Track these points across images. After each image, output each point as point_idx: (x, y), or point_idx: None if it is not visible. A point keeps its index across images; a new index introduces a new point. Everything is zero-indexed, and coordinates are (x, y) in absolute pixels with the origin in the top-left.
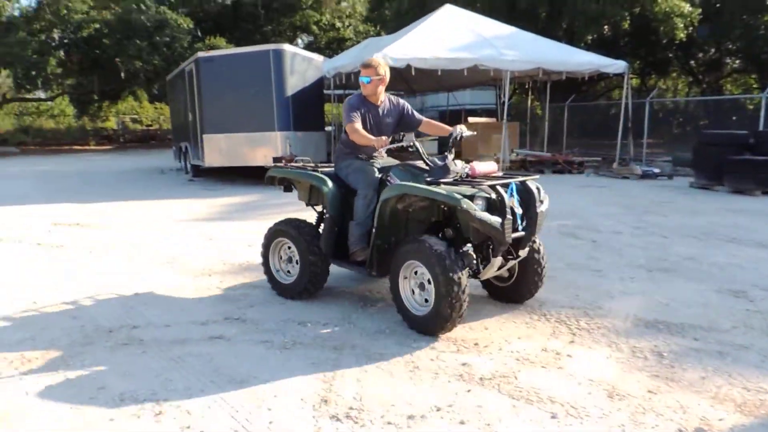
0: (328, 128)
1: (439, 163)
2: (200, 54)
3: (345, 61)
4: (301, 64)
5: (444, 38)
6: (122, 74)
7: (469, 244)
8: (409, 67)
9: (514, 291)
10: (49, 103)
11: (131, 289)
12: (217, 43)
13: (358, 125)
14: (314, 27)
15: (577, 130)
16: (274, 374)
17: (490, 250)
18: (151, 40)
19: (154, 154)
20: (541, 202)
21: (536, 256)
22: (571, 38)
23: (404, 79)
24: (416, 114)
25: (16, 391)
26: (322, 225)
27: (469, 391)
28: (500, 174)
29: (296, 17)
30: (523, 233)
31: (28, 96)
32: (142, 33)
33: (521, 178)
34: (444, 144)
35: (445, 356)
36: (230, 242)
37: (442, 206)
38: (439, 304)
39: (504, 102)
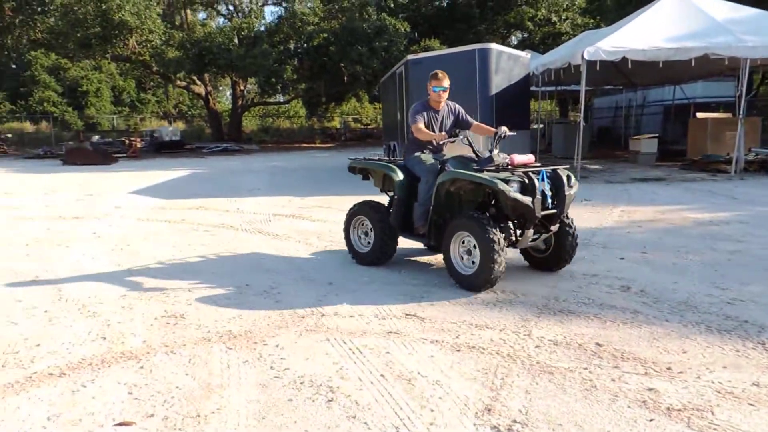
0: (535, 126)
1: (486, 155)
2: (409, 56)
3: (554, 56)
4: (507, 62)
5: (668, 26)
6: (345, 78)
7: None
8: (625, 60)
9: (550, 260)
10: (286, 105)
11: (326, 278)
12: (431, 45)
13: (421, 125)
14: (529, 23)
15: None
16: (441, 375)
17: (524, 224)
18: (371, 45)
19: (368, 151)
20: (570, 186)
21: (568, 230)
22: None
23: (622, 73)
24: (469, 118)
25: (219, 363)
26: (393, 205)
27: (651, 420)
28: (537, 164)
29: (511, 14)
30: (553, 211)
31: (269, 100)
32: (363, 39)
33: (552, 167)
34: (491, 142)
35: (629, 378)
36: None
37: (486, 189)
38: (483, 263)
39: (741, 95)
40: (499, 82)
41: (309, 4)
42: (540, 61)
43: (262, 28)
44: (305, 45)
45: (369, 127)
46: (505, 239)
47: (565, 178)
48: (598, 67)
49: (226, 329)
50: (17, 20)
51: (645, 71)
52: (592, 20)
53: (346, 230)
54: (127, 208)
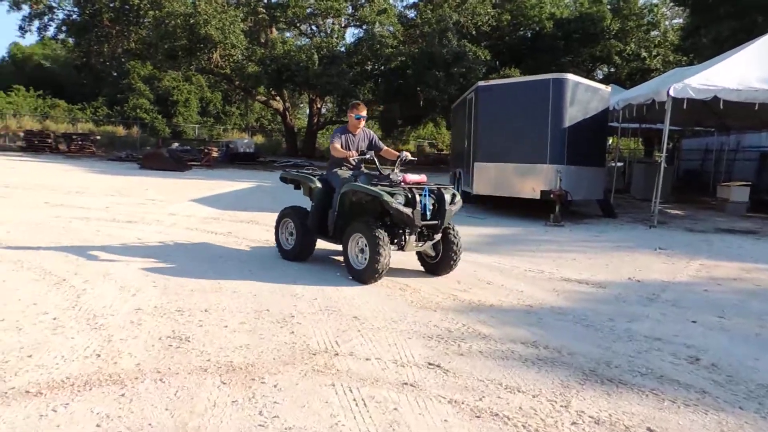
0: (613, 164)
1: (385, 173)
2: (480, 83)
3: (638, 92)
4: (584, 95)
5: (767, 66)
6: (421, 102)
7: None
8: (717, 99)
9: (438, 266)
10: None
11: (354, 311)
12: (511, 74)
13: (338, 145)
14: (616, 57)
15: None
16: None
17: (409, 231)
18: (449, 70)
19: (436, 177)
20: (453, 203)
21: (453, 240)
22: None
23: (714, 114)
24: (380, 143)
25: (206, 400)
26: (310, 211)
27: None
28: (427, 183)
29: (597, 47)
30: (434, 222)
31: (345, 119)
32: (441, 64)
33: (437, 185)
34: (393, 163)
35: None
36: (469, 276)
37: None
38: (371, 258)
39: None
40: (573, 115)
41: (389, 28)
42: (622, 96)
43: (342, 49)
44: (382, 67)
45: (443, 153)
46: (392, 242)
47: (448, 196)
48: (685, 106)
49: (228, 359)
50: (114, 31)
51: (739, 113)
52: (685, 57)
53: (276, 230)
54: (180, 216)
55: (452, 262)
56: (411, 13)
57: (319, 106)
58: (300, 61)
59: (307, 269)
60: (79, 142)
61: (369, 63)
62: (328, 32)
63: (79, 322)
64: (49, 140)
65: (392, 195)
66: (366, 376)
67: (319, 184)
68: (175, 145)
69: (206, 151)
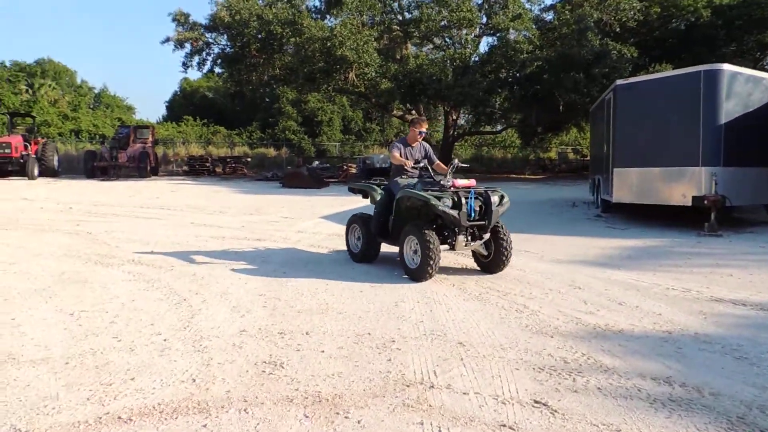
0: None
1: (436, 179)
2: (618, 81)
3: None
4: (744, 86)
5: None
6: (560, 107)
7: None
8: None
9: (491, 264)
10: (501, 134)
11: (460, 335)
12: (662, 71)
13: (396, 154)
14: None
15: None
16: None
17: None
18: (589, 71)
19: (578, 185)
20: (502, 205)
21: (503, 239)
22: None
23: None
24: (434, 156)
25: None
26: (373, 217)
27: None
28: (475, 186)
29: (767, 34)
30: (482, 222)
31: (483, 129)
32: (580, 66)
33: (485, 189)
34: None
35: None
36: (599, 295)
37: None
38: (422, 259)
39: None
40: (731, 110)
41: (524, 33)
42: None
43: (476, 58)
44: (517, 74)
45: (586, 159)
46: (444, 243)
47: (496, 198)
48: None
49: (316, 389)
50: (261, 60)
51: None
52: None
53: (346, 235)
54: (307, 233)
55: (504, 259)
56: (548, 16)
57: (454, 117)
58: (432, 74)
59: (420, 289)
60: (232, 165)
61: (503, 70)
62: (462, 43)
63: (185, 344)
64: (207, 164)
65: (440, 199)
66: (460, 414)
67: (380, 193)
68: (316, 163)
69: (344, 167)
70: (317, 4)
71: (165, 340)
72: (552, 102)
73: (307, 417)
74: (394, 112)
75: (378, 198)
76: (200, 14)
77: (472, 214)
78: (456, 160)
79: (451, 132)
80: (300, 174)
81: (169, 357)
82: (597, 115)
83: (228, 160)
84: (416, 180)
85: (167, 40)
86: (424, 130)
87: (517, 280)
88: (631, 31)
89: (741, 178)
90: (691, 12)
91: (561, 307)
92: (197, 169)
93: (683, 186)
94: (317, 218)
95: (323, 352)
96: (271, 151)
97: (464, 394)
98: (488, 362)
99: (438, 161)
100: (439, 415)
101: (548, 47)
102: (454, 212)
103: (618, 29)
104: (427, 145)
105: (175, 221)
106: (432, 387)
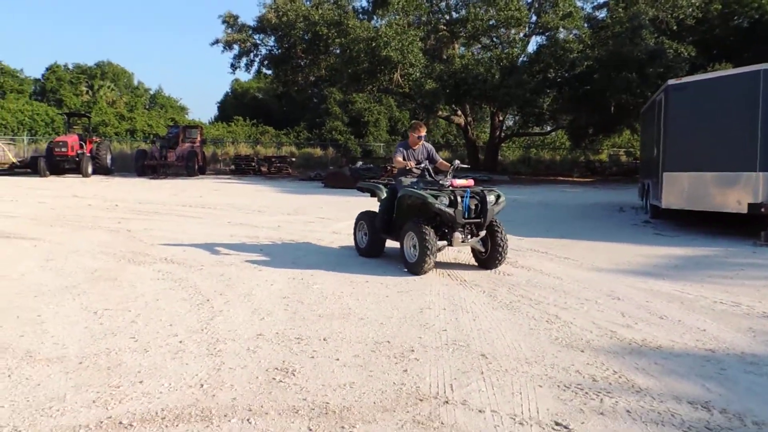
0: None
1: (435, 179)
2: (670, 81)
3: None
4: None
5: None
6: (612, 108)
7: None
8: None
9: (488, 261)
10: (551, 136)
11: (483, 347)
12: (721, 70)
13: (399, 158)
14: None
15: None
16: None
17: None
18: (643, 71)
19: (628, 189)
20: (498, 204)
21: (498, 237)
22: None
23: None
24: (437, 156)
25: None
26: (377, 214)
27: None
28: (472, 186)
29: None
30: (477, 219)
31: (531, 131)
32: (633, 65)
33: (482, 188)
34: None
35: None
36: (638, 307)
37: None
38: (420, 253)
39: None
40: None
41: (575, 32)
42: None
43: (524, 58)
44: (566, 74)
45: (639, 162)
46: (442, 239)
47: (492, 197)
48: None
49: (325, 400)
50: (307, 60)
51: None
52: None
53: (354, 231)
54: (342, 234)
55: (499, 256)
56: (601, 14)
57: (500, 118)
58: (478, 74)
59: (448, 296)
60: (278, 164)
61: (551, 70)
62: (510, 43)
63: (200, 347)
64: (253, 163)
65: (437, 197)
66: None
67: (385, 192)
68: (359, 163)
69: (388, 168)
70: (364, 4)
71: (181, 341)
72: (603, 103)
73: (310, 430)
74: (440, 113)
75: (383, 197)
76: (249, 16)
77: (467, 213)
78: (456, 161)
79: (498, 133)
80: (342, 174)
81: (181, 360)
82: (648, 116)
83: (273, 159)
84: (419, 179)
85: (216, 41)
86: (422, 134)
87: (552, 288)
88: (689, 29)
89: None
90: (755, 8)
91: (596, 319)
92: (243, 168)
93: (738, 192)
94: (354, 219)
95: (338, 360)
96: (318, 151)
97: (480, 411)
98: (510, 377)
99: (441, 160)
100: None
101: (600, 46)
102: (450, 210)
103: (675, 27)
104: (430, 146)
105: (213, 220)
106: (446, 402)
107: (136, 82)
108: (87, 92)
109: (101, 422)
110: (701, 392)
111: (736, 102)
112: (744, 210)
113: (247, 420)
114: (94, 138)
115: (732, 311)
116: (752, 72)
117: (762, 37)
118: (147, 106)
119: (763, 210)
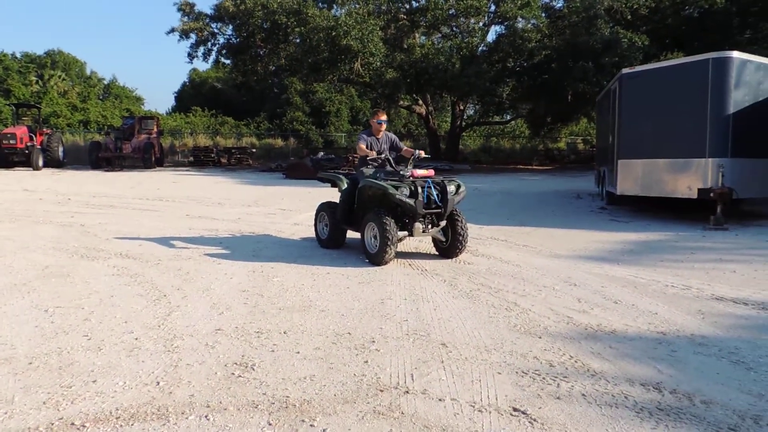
0: None
1: (396, 169)
2: (624, 70)
3: None
4: (754, 75)
5: None
6: (569, 97)
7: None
8: None
9: (448, 250)
10: (511, 125)
11: (443, 336)
12: (673, 59)
13: (363, 146)
14: None
15: None
16: None
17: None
18: (598, 60)
19: (585, 176)
20: (458, 194)
21: (459, 228)
22: None
23: None
24: (400, 144)
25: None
26: (338, 205)
27: None
28: (434, 176)
29: None
30: (437, 210)
31: (492, 120)
32: (589, 55)
33: (442, 178)
34: (406, 161)
35: None
36: (594, 292)
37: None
38: (380, 243)
39: None
40: (740, 99)
41: (532, 22)
42: None
43: (484, 48)
44: (525, 63)
45: (595, 149)
46: (403, 229)
47: (452, 187)
48: None
49: (285, 394)
50: (266, 50)
51: None
52: None
53: (315, 222)
54: (302, 226)
55: (459, 245)
56: (558, 4)
57: (461, 108)
58: (438, 64)
59: (409, 286)
60: (238, 156)
61: (510, 60)
62: (470, 32)
63: (156, 344)
64: (212, 155)
65: (397, 188)
66: (432, 423)
67: (346, 183)
68: (321, 154)
69: (350, 158)
70: None
71: (136, 339)
72: (561, 92)
73: (270, 425)
74: (401, 102)
75: (344, 187)
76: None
77: (425, 201)
78: (417, 151)
79: (459, 122)
80: (303, 165)
81: (137, 357)
82: (603, 104)
83: (233, 150)
84: (381, 169)
85: (172, 30)
86: (382, 119)
87: (512, 276)
88: (642, 18)
89: (749, 169)
90: None
91: (553, 306)
92: (202, 160)
93: (689, 178)
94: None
95: (299, 353)
96: (279, 142)
97: (440, 400)
98: (470, 365)
99: (406, 147)
100: (410, 424)
101: (557, 36)
102: (411, 201)
103: (629, 17)
104: (393, 135)
105: (171, 213)
106: (407, 392)
107: (89, 72)
108: (37, 82)
109: (52, 424)
110: (653, 374)
111: (686, 90)
112: (694, 195)
113: (206, 416)
114: (44, 129)
115: (683, 294)
116: (702, 61)
117: (711, 27)
118: (101, 97)
119: (712, 195)
